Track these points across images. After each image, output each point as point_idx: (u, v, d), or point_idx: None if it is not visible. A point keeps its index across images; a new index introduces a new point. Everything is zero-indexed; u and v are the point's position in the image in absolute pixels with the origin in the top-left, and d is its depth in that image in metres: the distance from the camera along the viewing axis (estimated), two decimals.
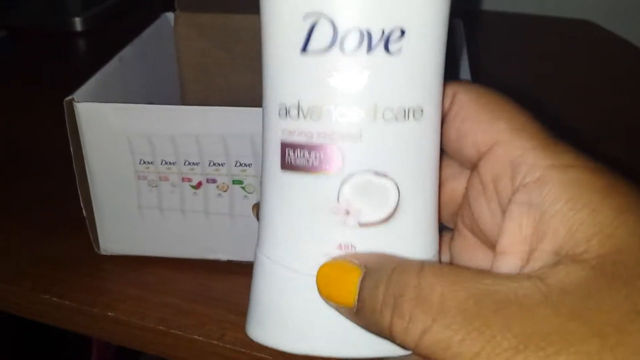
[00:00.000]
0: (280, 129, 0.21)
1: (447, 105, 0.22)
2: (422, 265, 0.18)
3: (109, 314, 0.36)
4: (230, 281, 0.37)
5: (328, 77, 0.19)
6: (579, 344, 0.15)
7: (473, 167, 0.22)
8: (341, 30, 0.19)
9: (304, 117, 0.20)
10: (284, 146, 0.21)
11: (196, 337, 0.34)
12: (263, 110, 0.22)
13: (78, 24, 0.76)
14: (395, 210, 0.20)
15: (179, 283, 0.38)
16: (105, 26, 0.77)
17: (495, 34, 0.77)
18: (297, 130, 0.20)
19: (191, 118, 0.35)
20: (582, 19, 0.79)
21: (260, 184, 0.22)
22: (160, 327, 0.35)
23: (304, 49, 0.19)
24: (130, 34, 0.45)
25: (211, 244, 0.39)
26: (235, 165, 0.36)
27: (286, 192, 0.21)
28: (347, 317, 0.19)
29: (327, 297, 0.20)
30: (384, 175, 0.20)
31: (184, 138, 0.35)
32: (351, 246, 0.20)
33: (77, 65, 0.70)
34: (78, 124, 0.35)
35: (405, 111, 0.20)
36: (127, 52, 0.42)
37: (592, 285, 0.16)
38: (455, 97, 0.21)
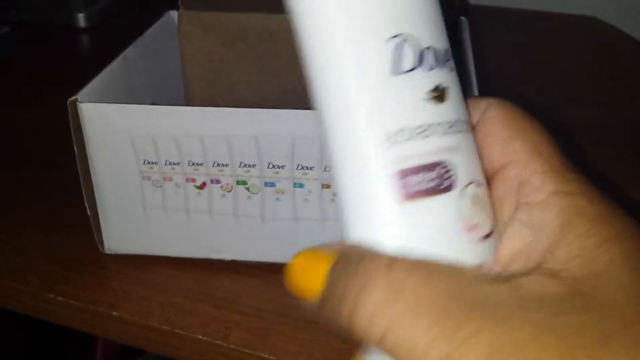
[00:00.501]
0: (391, 158, 0.19)
1: (476, 118, 0.22)
2: (394, 257, 0.17)
3: (114, 313, 0.36)
4: (234, 281, 0.37)
5: (423, 95, 0.19)
6: (552, 355, 0.15)
7: (487, 181, 0.22)
8: (421, 49, 0.20)
9: (414, 139, 0.19)
10: (403, 174, 0.19)
11: (200, 337, 0.34)
12: (344, 146, 0.20)
13: (82, 19, 0.76)
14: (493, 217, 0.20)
15: (183, 282, 0.38)
16: (108, 22, 0.77)
17: (501, 29, 0.76)
18: (412, 154, 0.19)
19: (195, 118, 0.35)
20: (587, 15, 0.78)
21: (358, 227, 0.19)
22: (165, 327, 0.35)
23: (395, 71, 0.19)
24: (133, 30, 0.45)
25: (215, 244, 0.39)
26: (239, 166, 0.36)
27: (412, 225, 0.19)
28: (312, 310, 0.18)
29: (295, 287, 0.19)
30: (481, 184, 0.20)
31: (188, 138, 0.35)
32: (485, 262, 0.19)
33: (81, 61, 0.70)
34: (82, 124, 0.35)
35: (466, 120, 0.21)
36: (130, 51, 0.42)
37: (566, 303, 0.16)
38: (486, 111, 0.21)
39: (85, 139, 0.36)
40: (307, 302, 0.18)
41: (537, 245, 0.18)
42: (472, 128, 0.22)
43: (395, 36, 0.19)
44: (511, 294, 0.17)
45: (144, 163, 0.37)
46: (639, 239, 0.18)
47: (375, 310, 0.16)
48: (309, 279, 0.18)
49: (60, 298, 0.37)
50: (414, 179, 0.19)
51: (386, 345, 0.16)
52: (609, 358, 0.15)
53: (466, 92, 0.34)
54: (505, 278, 0.17)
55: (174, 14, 0.49)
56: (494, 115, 0.21)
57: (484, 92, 0.37)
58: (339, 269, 0.18)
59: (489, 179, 0.21)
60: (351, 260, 0.18)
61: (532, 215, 0.19)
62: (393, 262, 0.17)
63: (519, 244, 0.19)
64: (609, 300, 0.16)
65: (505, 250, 0.19)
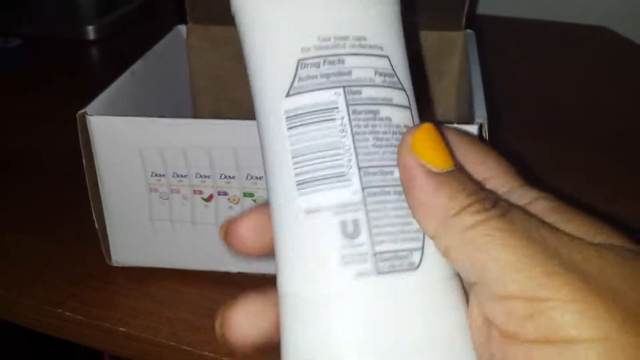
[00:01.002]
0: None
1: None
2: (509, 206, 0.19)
3: (121, 329, 0.36)
4: (241, 295, 0.37)
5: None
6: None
7: None
8: None
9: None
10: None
11: (207, 353, 0.34)
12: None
13: (91, 32, 0.77)
14: None
15: (190, 297, 0.38)
16: (118, 35, 0.78)
17: (511, 40, 0.76)
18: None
19: (202, 131, 0.35)
20: (599, 25, 0.78)
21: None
22: (172, 343, 0.34)
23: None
24: (143, 42, 0.45)
25: (222, 256, 0.38)
26: (247, 178, 0.36)
27: None
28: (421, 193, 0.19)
29: (425, 158, 0.20)
30: None
31: (195, 151, 0.35)
32: None
33: (91, 74, 0.71)
34: (91, 137, 0.35)
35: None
36: (139, 65, 0.42)
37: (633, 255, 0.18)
38: (452, 139, 0.23)
39: (93, 151, 0.36)
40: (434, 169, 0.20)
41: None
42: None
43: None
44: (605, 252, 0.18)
45: (151, 175, 0.36)
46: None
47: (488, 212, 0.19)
48: (438, 152, 0.20)
49: (68, 313, 0.37)
50: None
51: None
52: None
53: (471, 107, 0.34)
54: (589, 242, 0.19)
55: (182, 28, 0.49)
56: (455, 138, 0.23)
57: (492, 104, 0.36)
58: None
59: None
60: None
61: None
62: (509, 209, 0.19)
63: None
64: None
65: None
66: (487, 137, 0.32)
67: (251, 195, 0.36)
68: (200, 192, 0.37)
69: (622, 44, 0.74)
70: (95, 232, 0.38)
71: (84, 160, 0.36)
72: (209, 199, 0.37)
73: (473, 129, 0.32)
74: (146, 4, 0.84)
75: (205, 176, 0.36)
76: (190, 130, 0.35)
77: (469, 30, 0.48)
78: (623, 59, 0.72)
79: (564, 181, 0.49)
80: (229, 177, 0.36)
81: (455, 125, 0.32)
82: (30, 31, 0.77)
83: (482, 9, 0.82)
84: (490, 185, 0.21)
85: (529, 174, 0.23)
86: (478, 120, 0.33)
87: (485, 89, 0.37)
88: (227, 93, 0.52)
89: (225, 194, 0.37)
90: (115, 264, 0.40)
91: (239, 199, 0.37)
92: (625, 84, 0.66)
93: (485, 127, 0.32)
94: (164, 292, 0.38)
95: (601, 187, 0.48)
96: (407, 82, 0.22)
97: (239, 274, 0.39)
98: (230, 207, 0.37)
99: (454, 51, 0.48)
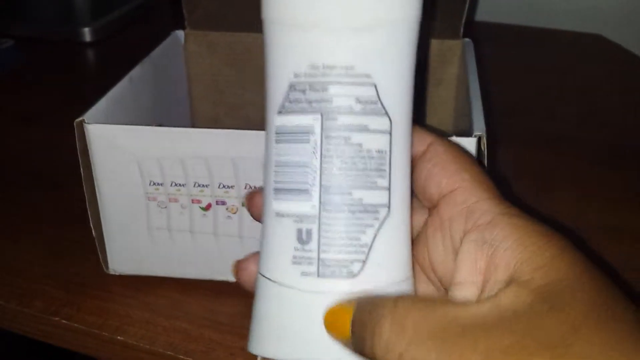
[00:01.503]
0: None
1: (421, 149, 0.26)
2: (396, 299, 0.21)
3: (118, 337, 0.36)
4: (238, 305, 0.37)
5: None
6: (533, 356, 0.18)
7: (433, 206, 0.26)
8: None
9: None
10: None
11: None
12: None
13: (87, 34, 0.76)
14: None
15: (187, 306, 0.38)
16: (114, 36, 0.77)
17: (506, 47, 0.76)
18: None
19: (201, 140, 0.35)
20: (593, 32, 0.78)
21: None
22: (169, 352, 0.34)
23: None
24: (139, 44, 0.45)
25: (220, 266, 0.38)
26: (245, 188, 0.36)
27: None
28: (345, 346, 0.23)
29: (332, 333, 0.24)
30: None
31: (193, 160, 0.35)
32: None
33: (87, 76, 0.70)
34: (88, 145, 0.35)
35: None
36: (137, 71, 0.42)
37: (537, 309, 0.20)
38: (431, 145, 0.26)
39: (91, 160, 0.36)
40: (341, 341, 0.23)
41: (500, 259, 0.22)
42: (416, 157, 0.26)
43: None
44: (492, 311, 0.20)
45: (149, 184, 0.36)
46: (576, 252, 0.22)
47: (388, 345, 0.20)
48: (339, 328, 0.23)
49: (65, 321, 0.37)
50: None
51: None
52: (579, 344, 0.18)
53: (470, 118, 0.34)
54: (486, 299, 0.21)
55: (180, 34, 0.49)
56: (441, 149, 0.25)
57: (490, 112, 0.36)
58: (359, 316, 0.22)
59: (436, 202, 0.25)
60: (365, 309, 0.22)
61: (484, 235, 0.23)
62: (396, 303, 0.21)
63: (479, 260, 0.23)
64: (571, 300, 0.20)
65: (463, 267, 0.23)
66: (485, 149, 0.33)
67: None
68: (199, 202, 0.37)
69: (617, 52, 0.75)
70: (92, 240, 0.38)
71: (81, 169, 0.36)
72: (207, 208, 0.37)
73: (471, 141, 0.32)
74: (142, 5, 0.84)
75: (203, 185, 0.36)
76: (189, 139, 0.35)
77: (466, 39, 0.48)
78: (618, 66, 0.72)
79: (558, 190, 0.49)
80: (228, 186, 0.36)
81: (454, 138, 0.32)
82: (25, 32, 0.77)
83: (480, 16, 0.83)
84: (458, 195, 0.24)
85: (505, 187, 0.25)
86: (477, 133, 0.33)
87: (483, 98, 0.37)
88: (225, 98, 0.52)
89: (223, 203, 0.37)
90: (112, 273, 0.39)
91: (237, 209, 0.37)
92: (620, 91, 0.67)
93: (484, 140, 0.33)
94: (161, 301, 0.38)
95: (595, 197, 0.48)
96: (396, 107, 0.24)
97: (237, 283, 0.39)
98: (229, 216, 0.37)
99: (452, 59, 0.49)
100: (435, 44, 0.49)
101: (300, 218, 0.24)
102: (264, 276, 0.25)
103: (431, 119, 0.49)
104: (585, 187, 0.50)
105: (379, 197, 0.24)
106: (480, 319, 0.20)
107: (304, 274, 0.24)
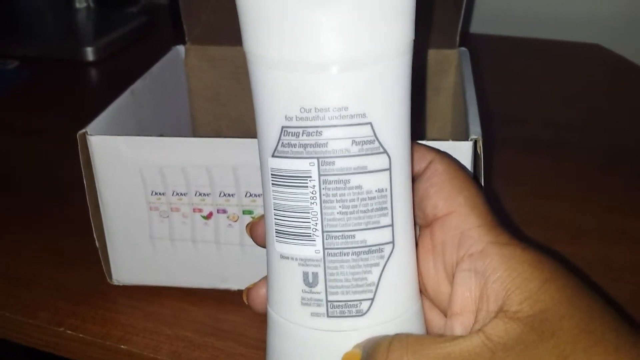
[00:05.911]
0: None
1: (422, 166, 0.26)
2: (390, 340, 0.22)
3: (122, 346, 0.36)
4: (240, 313, 0.37)
5: None
6: None
7: (426, 225, 0.26)
8: None
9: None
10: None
11: None
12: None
13: (90, 53, 0.77)
14: None
15: (191, 314, 0.38)
16: (116, 55, 0.79)
17: (506, 58, 0.77)
18: None
19: (202, 149, 0.36)
20: (592, 42, 0.79)
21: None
22: None
23: None
24: (141, 63, 0.46)
25: (222, 274, 0.39)
26: (246, 196, 0.36)
27: None
28: None
29: None
30: None
31: (194, 169, 0.36)
32: None
33: (90, 95, 0.71)
34: (91, 156, 0.36)
35: None
36: (138, 85, 0.43)
37: (526, 339, 0.20)
38: (432, 163, 0.25)
39: (94, 170, 0.36)
40: None
41: (491, 289, 0.22)
42: (417, 175, 0.26)
43: None
44: (483, 344, 0.21)
45: (151, 194, 0.37)
46: (566, 276, 0.22)
47: None
48: None
49: (69, 332, 0.37)
50: None
51: None
52: None
53: (466, 123, 0.35)
54: (476, 332, 0.21)
55: (181, 49, 0.50)
56: (440, 169, 0.25)
57: (487, 123, 0.37)
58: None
59: (430, 222, 0.25)
60: (368, 354, 0.23)
61: (476, 264, 0.23)
62: (390, 343, 0.22)
63: (473, 290, 0.23)
64: (559, 328, 0.20)
65: (458, 297, 0.23)
66: (481, 153, 0.33)
67: (250, 212, 0.37)
68: (200, 210, 0.37)
69: (615, 61, 0.75)
70: (96, 251, 0.38)
71: (84, 180, 0.36)
72: (208, 216, 0.37)
73: (467, 145, 0.33)
74: (144, 25, 0.85)
75: (204, 194, 0.37)
76: (190, 148, 0.36)
77: (462, 48, 0.49)
78: (616, 76, 0.73)
79: (557, 196, 0.49)
80: (228, 195, 0.36)
81: (450, 142, 0.33)
82: (30, 52, 0.78)
83: (476, 28, 0.83)
84: (453, 220, 0.24)
85: (501, 214, 0.24)
86: (472, 136, 0.33)
87: (480, 105, 0.37)
88: (226, 111, 0.52)
89: (224, 211, 0.37)
90: (116, 283, 0.40)
91: (238, 217, 0.37)
92: (619, 100, 0.67)
93: (480, 144, 0.33)
94: (165, 310, 0.38)
95: (595, 202, 0.49)
96: (394, 141, 0.23)
97: (239, 291, 0.39)
98: (230, 224, 0.37)
99: (448, 68, 0.49)
100: (432, 53, 0.49)
101: (304, 261, 0.24)
102: (274, 312, 0.25)
103: (431, 127, 0.50)
104: (585, 192, 0.50)
105: (383, 235, 0.23)
106: (473, 354, 0.21)
107: (313, 314, 0.24)
